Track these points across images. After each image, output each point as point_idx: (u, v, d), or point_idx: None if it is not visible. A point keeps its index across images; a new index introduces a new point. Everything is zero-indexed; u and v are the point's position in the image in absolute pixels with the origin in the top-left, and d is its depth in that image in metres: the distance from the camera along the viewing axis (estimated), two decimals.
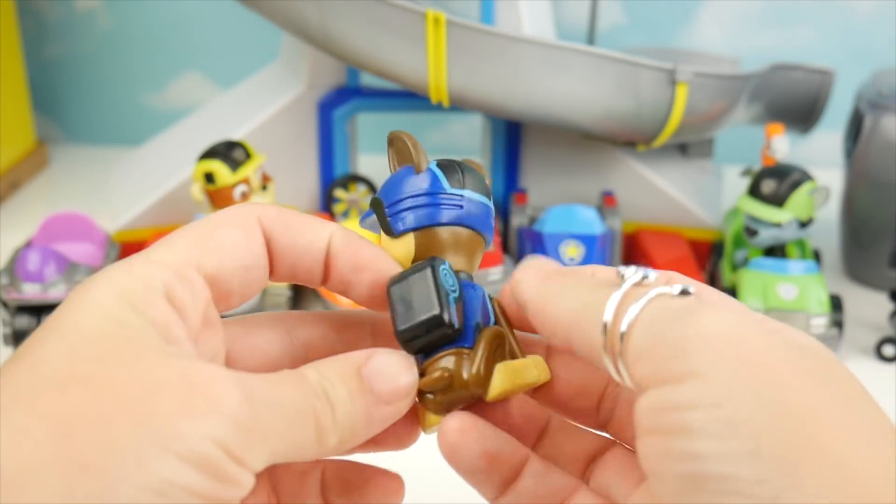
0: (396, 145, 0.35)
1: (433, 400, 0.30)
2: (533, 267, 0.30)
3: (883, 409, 0.26)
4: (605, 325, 0.26)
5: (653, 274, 0.27)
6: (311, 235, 0.31)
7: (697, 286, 0.28)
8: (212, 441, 0.25)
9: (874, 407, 0.26)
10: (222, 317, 0.31)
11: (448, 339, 0.30)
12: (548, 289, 0.29)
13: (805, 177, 0.63)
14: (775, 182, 0.63)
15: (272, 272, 0.31)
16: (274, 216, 0.31)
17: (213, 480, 0.25)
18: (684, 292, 0.26)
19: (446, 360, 0.30)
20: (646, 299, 0.26)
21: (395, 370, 0.30)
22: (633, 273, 0.27)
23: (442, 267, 0.30)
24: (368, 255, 0.32)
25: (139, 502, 0.24)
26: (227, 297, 0.30)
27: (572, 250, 0.62)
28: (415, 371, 0.30)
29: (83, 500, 0.23)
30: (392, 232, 0.32)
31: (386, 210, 0.32)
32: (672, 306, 0.26)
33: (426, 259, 0.30)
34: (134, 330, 0.26)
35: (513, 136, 0.73)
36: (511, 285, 0.31)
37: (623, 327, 0.26)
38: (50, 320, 0.27)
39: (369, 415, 0.29)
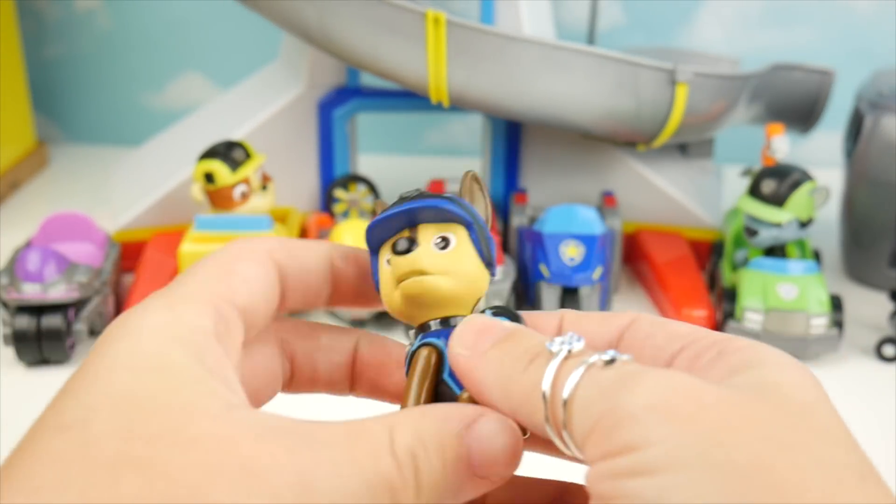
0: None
1: None
2: (467, 333, 0.28)
3: (860, 446, 0.24)
4: (544, 397, 0.25)
5: (578, 343, 0.26)
6: (314, 260, 0.31)
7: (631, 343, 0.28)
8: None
9: (846, 445, 0.24)
10: None
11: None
12: (482, 359, 0.28)
13: (805, 177, 0.63)
14: (775, 182, 0.63)
15: (282, 303, 0.31)
16: (279, 247, 0.30)
17: None
18: (613, 360, 0.25)
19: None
20: (582, 369, 0.25)
21: (502, 441, 0.27)
22: (561, 343, 0.26)
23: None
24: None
25: None
26: (251, 332, 0.29)
27: (572, 250, 0.62)
28: (520, 438, 0.27)
29: None
30: None
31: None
32: (607, 378, 0.24)
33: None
34: (188, 390, 0.25)
35: (513, 136, 0.73)
36: (448, 351, 0.29)
37: (564, 396, 0.25)
38: (96, 377, 0.25)
39: (460, 489, 0.26)
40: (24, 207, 0.85)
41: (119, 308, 0.65)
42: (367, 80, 0.73)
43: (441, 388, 0.30)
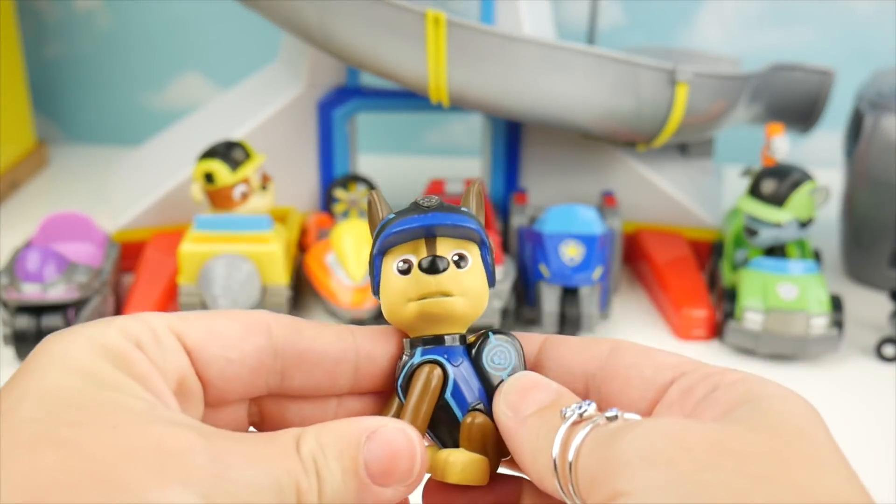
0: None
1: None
2: (514, 393, 0.30)
3: (856, 474, 0.25)
4: (554, 461, 0.27)
5: (590, 407, 0.27)
6: (325, 344, 0.31)
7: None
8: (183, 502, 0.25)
9: (838, 474, 0.24)
10: None
11: None
12: (522, 426, 0.29)
13: (805, 177, 0.63)
14: (775, 182, 0.63)
15: (286, 380, 0.30)
16: (286, 323, 0.30)
17: None
18: (614, 417, 0.26)
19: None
20: (584, 432, 0.26)
21: (403, 450, 0.28)
22: (573, 410, 0.27)
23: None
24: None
25: None
26: (210, 385, 0.29)
27: (572, 250, 0.62)
28: (418, 450, 0.28)
29: None
30: None
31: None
32: (604, 433, 0.26)
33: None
34: (113, 390, 0.26)
35: (513, 136, 0.73)
36: (493, 409, 0.30)
37: (569, 459, 0.26)
38: (26, 376, 0.27)
39: (359, 495, 0.27)
40: (23, 207, 0.85)
41: (119, 308, 0.65)
42: (367, 80, 0.73)
43: (443, 408, 0.30)
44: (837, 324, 0.61)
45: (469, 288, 0.31)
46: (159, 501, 0.25)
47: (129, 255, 0.70)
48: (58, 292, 0.59)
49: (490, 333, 0.31)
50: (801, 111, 0.76)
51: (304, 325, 0.31)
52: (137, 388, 0.27)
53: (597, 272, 0.62)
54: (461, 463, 0.30)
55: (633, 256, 0.74)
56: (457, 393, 0.30)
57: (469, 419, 0.30)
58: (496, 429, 0.30)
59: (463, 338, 0.31)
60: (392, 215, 0.31)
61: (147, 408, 0.26)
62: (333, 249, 0.65)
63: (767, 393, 0.26)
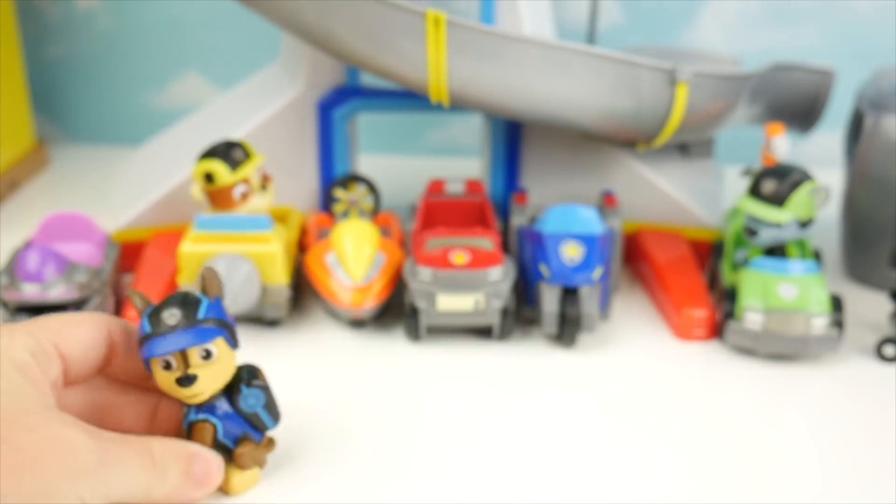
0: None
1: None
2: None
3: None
4: None
5: None
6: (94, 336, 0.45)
7: None
8: (80, 497, 0.38)
9: None
10: None
11: None
12: None
13: (805, 177, 0.63)
14: (775, 182, 0.63)
15: (110, 361, 0.46)
16: (117, 328, 0.46)
17: None
18: None
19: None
20: None
21: (213, 469, 0.45)
22: None
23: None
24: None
25: None
26: (69, 373, 0.44)
27: (572, 250, 0.62)
28: (222, 471, 0.46)
29: None
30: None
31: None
32: None
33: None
34: (22, 395, 0.39)
35: (513, 136, 0.73)
36: None
37: None
38: None
39: (186, 493, 0.44)
40: (23, 207, 0.85)
41: (119, 308, 0.65)
42: (368, 80, 0.73)
43: (219, 445, 0.46)
44: (838, 324, 0.61)
45: (217, 375, 0.45)
46: (65, 490, 0.37)
47: (129, 254, 0.70)
48: (58, 292, 0.59)
49: (242, 386, 0.46)
50: (801, 111, 0.76)
51: (130, 327, 0.46)
52: (33, 390, 0.40)
53: (597, 272, 0.62)
54: (237, 483, 0.47)
55: (634, 256, 0.74)
56: (226, 434, 0.47)
57: (239, 449, 0.47)
58: (264, 446, 0.48)
59: (225, 388, 0.46)
60: (145, 328, 0.44)
61: (41, 407, 0.39)
62: (333, 249, 0.65)
63: None
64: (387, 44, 0.61)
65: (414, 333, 0.63)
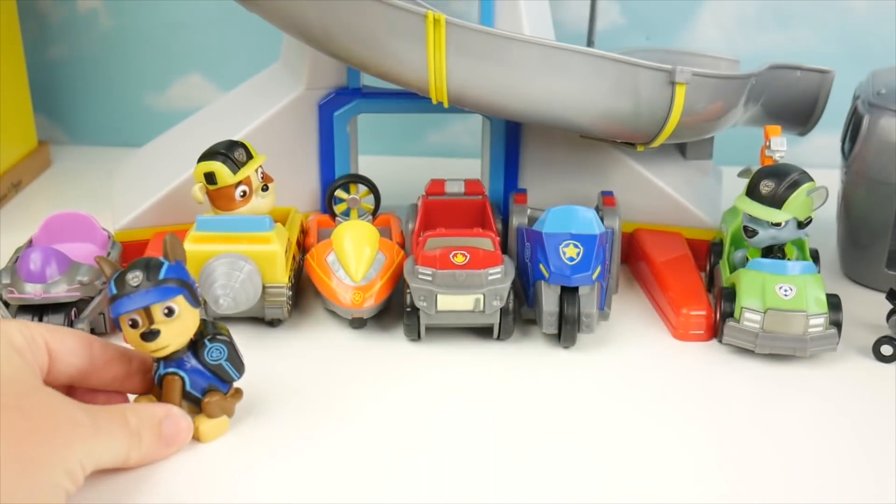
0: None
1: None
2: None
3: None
4: None
5: None
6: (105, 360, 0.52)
7: None
8: (78, 461, 0.44)
9: None
10: None
11: None
12: None
13: (804, 177, 0.63)
14: (774, 182, 0.63)
15: (88, 377, 0.51)
16: (98, 347, 0.51)
17: (72, 485, 0.44)
18: None
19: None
20: None
21: (182, 428, 0.51)
22: None
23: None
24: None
25: (47, 488, 0.42)
26: (52, 370, 0.49)
27: (572, 250, 0.63)
28: (189, 426, 0.51)
29: (21, 476, 0.41)
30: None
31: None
32: None
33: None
34: (23, 372, 0.45)
35: (513, 136, 0.73)
36: None
37: None
38: None
39: (158, 452, 0.50)
40: (25, 207, 0.86)
41: None
42: (368, 80, 0.73)
43: (187, 396, 0.52)
44: (835, 324, 0.62)
45: (180, 330, 0.50)
46: (71, 454, 0.43)
47: (130, 254, 0.70)
48: (59, 292, 0.60)
49: (206, 341, 0.51)
50: (799, 112, 0.76)
51: (96, 343, 0.51)
52: (32, 371, 0.45)
53: (596, 272, 0.62)
54: (207, 430, 0.52)
55: (633, 256, 0.74)
56: (194, 385, 0.52)
57: (207, 398, 0.52)
58: (231, 396, 0.53)
59: (190, 343, 0.51)
60: (112, 289, 0.49)
61: (39, 382, 0.45)
62: (334, 250, 0.65)
63: None
64: (387, 45, 0.61)
65: (414, 333, 0.63)
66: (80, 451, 0.44)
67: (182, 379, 0.51)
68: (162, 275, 0.49)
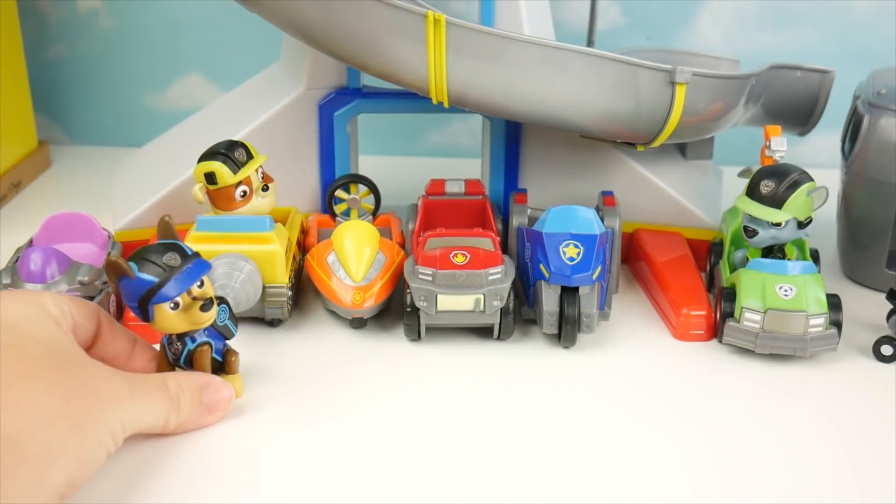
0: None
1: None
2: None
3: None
4: None
5: None
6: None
7: None
8: (119, 423, 0.46)
9: None
10: None
11: None
12: None
13: (804, 177, 0.63)
14: (774, 182, 0.63)
15: (93, 343, 0.52)
16: (105, 316, 0.53)
17: (113, 446, 0.46)
18: None
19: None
20: None
21: (224, 396, 0.53)
22: None
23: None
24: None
25: (93, 446, 0.44)
26: (75, 331, 0.50)
27: (572, 250, 0.63)
28: (233, 396, 0.54)
29: (70, 432, 0.43)
30: None
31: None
32: None
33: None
34: (63, 340, 0.47)
35: (513, 136, 0.73)
36: None
37: None
38: (17, 329, 0.46)
39: (199, 419, 0.52)
40: (26, 208, 0.86)
41: (120, 307, 0.65)
42: (368, 80, 0.73)
43: (213, 360, 0.54)
44: (835, 324, 0.62)
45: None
46: (113, 415, 0.46)
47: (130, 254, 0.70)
48: (60, 292, 0.60)
49: (217, 305, 0.53)
50: (800, 111, 0.76)
51: (103, 313, 0.53)
52: (66, 333, 0.48)
53: (596, 272, 0.62)
54: (239, 386, 0.56)
55: (633, 256, 0.74)
56: (217, 351, 0.54)
57: (231, 357, 0.55)
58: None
59: None
60: (150, 279, 0.50)
61: (74, 345, 0.47)
62: (334, 250, 0.65)
63: None
64: (387, 45, 0.61)
65: (414, 333, 0.63)
66: (120, 413, 0.46)
67: (210, 345, 0.54)
68: (188, 251, 0.52)
